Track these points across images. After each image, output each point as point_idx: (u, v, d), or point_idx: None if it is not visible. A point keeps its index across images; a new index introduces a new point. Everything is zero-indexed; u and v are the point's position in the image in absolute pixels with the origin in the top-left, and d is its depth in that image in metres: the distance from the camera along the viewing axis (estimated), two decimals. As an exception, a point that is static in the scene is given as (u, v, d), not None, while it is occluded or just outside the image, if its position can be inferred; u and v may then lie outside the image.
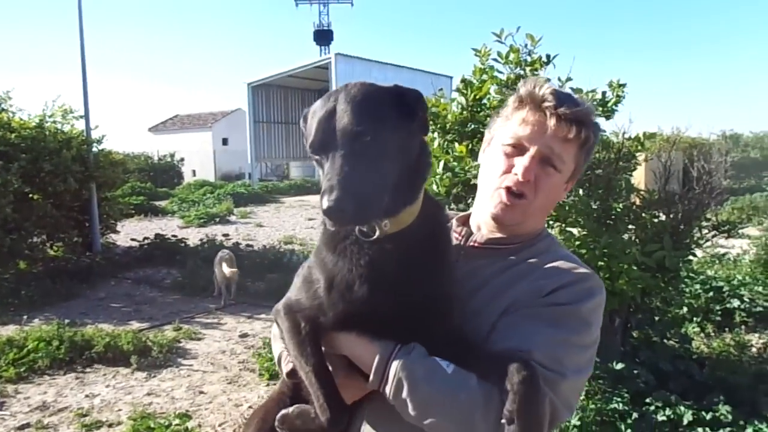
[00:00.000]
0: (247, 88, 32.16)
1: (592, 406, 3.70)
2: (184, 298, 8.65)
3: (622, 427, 3.56)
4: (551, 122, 1.28)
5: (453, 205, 3.46)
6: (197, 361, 5.96)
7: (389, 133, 1.06)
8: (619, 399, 3.83)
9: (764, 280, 7.98)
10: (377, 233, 1.11)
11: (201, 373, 5.62)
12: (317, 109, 1.11)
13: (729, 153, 5.46)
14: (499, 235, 1.37)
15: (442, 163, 3.52)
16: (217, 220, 17.92)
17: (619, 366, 4.21)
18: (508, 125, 1.36)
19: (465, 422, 1.10)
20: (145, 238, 11.79)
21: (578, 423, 3.48)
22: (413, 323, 1.17)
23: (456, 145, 3.53)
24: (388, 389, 1.14)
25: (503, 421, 1.06)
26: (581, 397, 3.87)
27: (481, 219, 1.40)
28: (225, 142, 47.15)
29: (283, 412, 1.28)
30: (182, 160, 36.79)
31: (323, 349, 1.22)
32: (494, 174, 1.35)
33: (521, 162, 1.30)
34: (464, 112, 3.68)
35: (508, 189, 1.31)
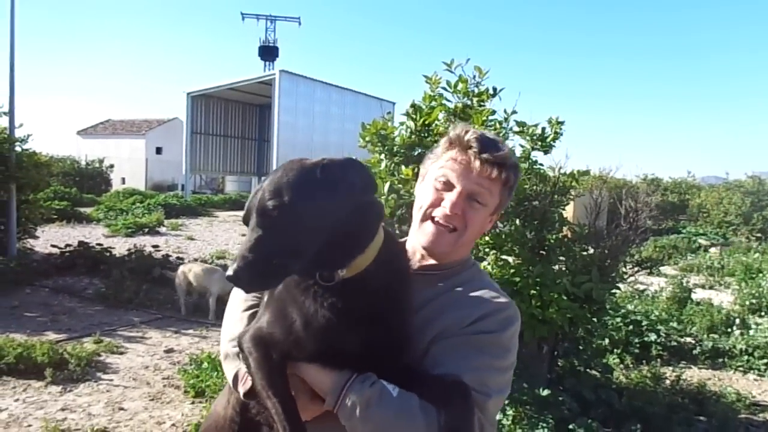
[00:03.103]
0: (187, 98, 31.42)
1: (519, 431, 3.78)
2: (107, 309, 8.25)
3: (547, 452, 3.66)
4: (476, 164, 1.43)
5: (398, 226, 3.50)
6: (118, 376, 5.69)
7: (303, 205, 1.16)
8: (544, 425, 3.94)
9: (678, 316, 8.46)
10: (335, 278, 1.22)
11: (122, 389, 5.36)
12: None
13: (653, 195, 5.80)
14: (430, 262, 1.50)
15: (388, 185, 3.57)
16: (146, 230, 17.30)
17: (545, 392, 4.34)
18: (439, 163, 1.50)
19: None
20: (67, 245, 11.19)
21: (506, 447, 3.54)
22: (371, 359, 1.28)
23: (402, 167, 3.60)
24: (343, 412, 1.24)
25: None
26: (509, 422, 3.96)
27: (416, 246, 1.53)
28: (159, 151, 45.81)
29: None
30: (111, 166, 35.39)
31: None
32: (424, 204, 1.49)
33: (449, 197, 1.44)
34: (412, 136, 3.76)
35: (437, 222, 1.45)
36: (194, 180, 39.44)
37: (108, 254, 11.06)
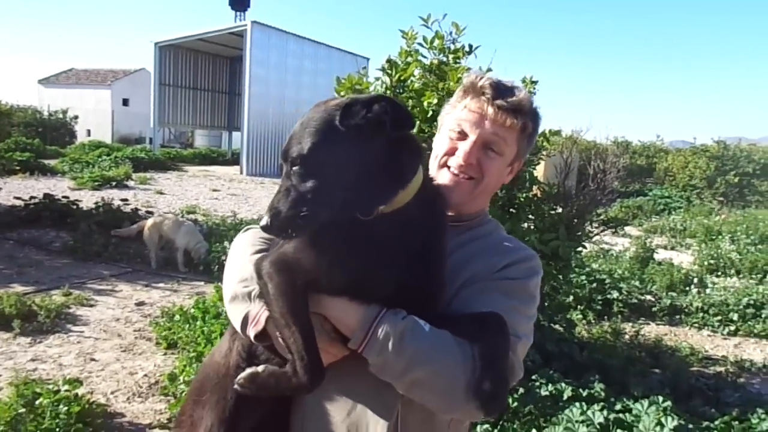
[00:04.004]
0: (154, 48, 30.29)
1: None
2: (75, 262, 8.17)
3: (510, 400, 3.82)
4: (489, 111, 1.40)
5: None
6: (89, 328, 5.69)
7: (326, 153, 1.14)
8: (509, 375, 4.10)
9: (640, 275, 8.76)
10: (375, 213, 1.18)
11: (93, 340, 5.38)
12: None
13: (621, 157, 5.92)
14: (450, 214, 1.43)
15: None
16: (114, 184, 16.97)
17: (511, 345, 4.50)
18: (454, 113, 1.47)
19: (447, 374, 1.19)
20: (32, 198, 10.93)
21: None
22: (403, 302, 1.24)
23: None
24: (372, 347, 1.19)
25: (478, 366, 1.18)
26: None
27: None
28: (125, 102, 44.54)
29: (249, 371, 1.25)
30: (76, 117, 34.23)
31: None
32: (440, 153, 1.46)
33: (463, 146, 1.42)
34: (388, 92, 3.74)
35: (452, 171, 1.42)
36: (163, 133, 38.53)
37: (75, 207, 10.86)
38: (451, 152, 1.44)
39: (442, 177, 1.44)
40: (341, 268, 1.21)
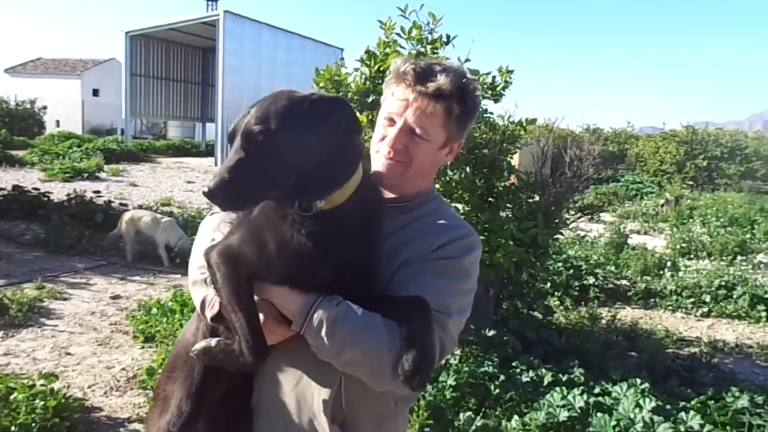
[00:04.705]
0: (125, 37, 29.59)
1: (466, 369, 3.97)
2: (47, 255, 8.00)
3: (492, 387, 3.86)
4: (411, 98, 1.45)
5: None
6: (63, 322, 5.59)
7: (288, 134, 1.21)
8: (489, 363, 4.14)
9: (615, 261, 8.91)
10: (313, 209, 1.27)
11: (67, 334, 5.28)
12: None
13: (596, 144, 5.99)
14: (391, 195, 1.53)
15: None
16: (86, 176, 16.60)
17: (491, 333, 4.55)
18: (386, 101, 1.54)
19: (375, 353, 1.30)
20: (0, 189, 10.67)
21: (453, 383, 3.72)
22: (339, 287, 1.35)
23: (357, 114, 3.57)
24: (310, 330, 1.31)
25: (402, 345, 1.28)
26: (456, 361, 4.15)
27: None
28: (96, 93, 43.56)
29: (204, 343, 1.36)
30: (45, 108, 33.34)
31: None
32: (375, 141, 1.55)
33: (390, 133, 1.48)
34: (367, 83, 3.73)
35: (386, 155, 1.49)
36: (135, 124, 37.88)
37: (46, 199, 10.60)
38: (383, 139, 1.51)
39: (377, 163, 1.52)
40: (281, 262, 1.31)
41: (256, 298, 1.35)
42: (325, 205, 1.28)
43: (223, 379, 1.49)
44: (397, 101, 1.47)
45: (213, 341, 1.36)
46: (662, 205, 16.56)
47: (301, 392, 1.45)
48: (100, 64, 44.80)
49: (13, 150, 20.48)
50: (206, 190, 1.15)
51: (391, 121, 1.49)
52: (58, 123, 38.07)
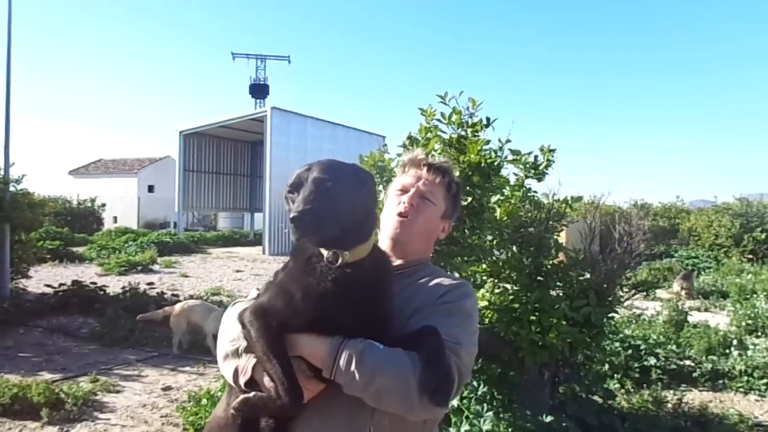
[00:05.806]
0: (179, 136, 31.56)
1: (525, 459, 3.76)
2: (102, 348, 8.16)
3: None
4: (423, 171, 1.86)
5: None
6: (115, 415, 5.61)
7: (344, 187, 1.46)
8: (549, 451, 3.92)
9: (676, 340, 8.47)
10: (340, 261, 1.47)
11: (119, 428, 5.29)
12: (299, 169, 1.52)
13: (645, 219, 5.88)
14: (398, 262, 1.77)
15: (386, 215, 3.61)
16: (140, 268, 17.19)
17: (549, 419, 4.33)
18: (400, 178, 1.92)
19: (401, 378, 1.42)
20: (61, 285, 11.10)
21: (512, 475, 3.52)
22: (360, 330, 1.49)
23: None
24: (339, 370, 1.44)
25: (422, 366, 1.43)
26: None
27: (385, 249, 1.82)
28: (151, 189, 45.85)
29: (244, 396, 1.47)
30: (103, 205, 35.26)
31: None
32: (390, 210, 1.84)
33: (407, 196, 1.82)
34: (409, 167, 3.82)
35: (399, 213, 1.79)
36: (187, 217, 39.40)
37: (102, 293, 10.99)
38: (398, 205, 1.82)
39: (389, 225, 1.80)
40: (307, 307, 1.46)
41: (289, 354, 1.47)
42: (349, 258, 1.47)
43: None
44: (410, 177, 1.87)
45: (251, 394, 1.46)
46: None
47: None
48: (156, 162, 47.42)
49: (74, 246, 21.52)
50: (292, 215, 1.36)
51: (404, 191, 1.83)
52: (115, 219, 39.99)
